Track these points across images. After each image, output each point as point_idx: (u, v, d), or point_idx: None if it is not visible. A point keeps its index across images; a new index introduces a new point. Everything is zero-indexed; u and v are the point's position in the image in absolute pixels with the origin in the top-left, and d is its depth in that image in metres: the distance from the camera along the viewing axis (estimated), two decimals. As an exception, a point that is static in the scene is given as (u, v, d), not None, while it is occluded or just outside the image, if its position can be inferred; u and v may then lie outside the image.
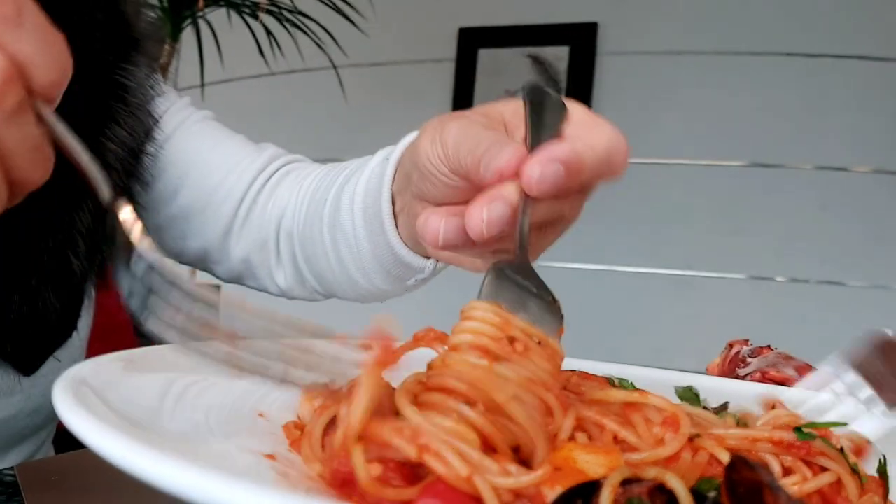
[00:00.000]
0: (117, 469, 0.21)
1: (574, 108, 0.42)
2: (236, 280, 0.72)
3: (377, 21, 2.14)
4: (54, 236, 0.56)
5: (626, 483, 0.22)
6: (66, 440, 0.59)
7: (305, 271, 0.67)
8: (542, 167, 0.36)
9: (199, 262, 0.72)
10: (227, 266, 0.70)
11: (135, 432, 0.24)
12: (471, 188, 0.39)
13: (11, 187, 0.32)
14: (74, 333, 0.60)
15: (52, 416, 0.62)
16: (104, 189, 0.33)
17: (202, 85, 2.17)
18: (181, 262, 0.72)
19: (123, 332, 1.54)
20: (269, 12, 2.06)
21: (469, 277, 0.40)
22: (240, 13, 2.09)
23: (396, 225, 0.54)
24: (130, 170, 0.62)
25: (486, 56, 2.39)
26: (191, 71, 2.22)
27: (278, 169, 0.71)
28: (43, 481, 0.40)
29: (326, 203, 0.62)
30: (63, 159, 0.36)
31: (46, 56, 0.31)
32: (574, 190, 0.39)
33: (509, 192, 0.36)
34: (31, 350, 0.57)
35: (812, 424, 0.31)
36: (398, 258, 0.55)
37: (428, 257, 0.54)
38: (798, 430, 0.30)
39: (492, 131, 0.40)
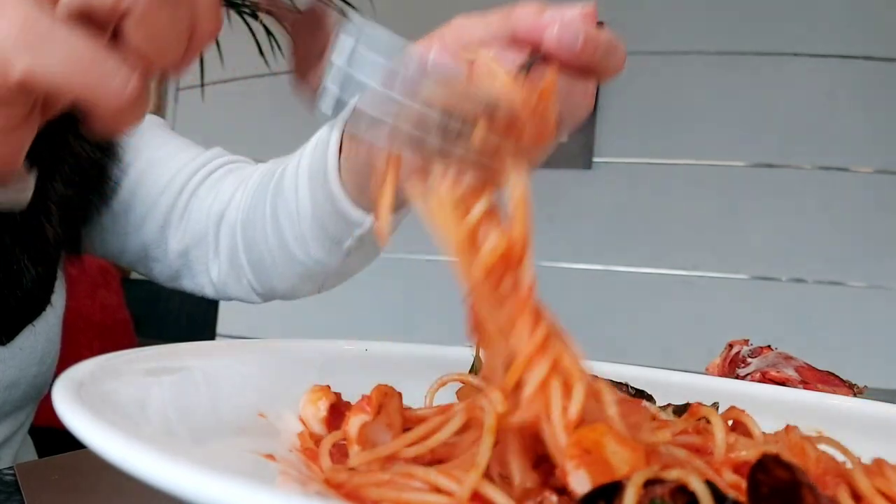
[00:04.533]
0: (117, 469, 0.21)
1: None
2: (173, 279, 0.72)
3: (377, 20, 2.13)
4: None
5: (648, 483, 0.21)
6: (53, 438, 0.60)
7: (244, 261, 0.67)
8: (568, 26, 0.36)
9: (139, 261, 0.73)
10: (166, 262, 0.71)
11: (135, 432, 0.24)
12: None
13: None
14: (49, 308, 0.62)
15: (31, 393, 0.63)
16: None
17: (202, 85, 2.17)
18: (121, 262, 0.73)
19: (123, 332, 1.54)
20: (269, 12, 2.06)
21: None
22: (240, 13, 2.09)
23: (340, 174, 0.54)
24: (100, 166, 0.64)
25: (488, 56, 2.39)
26: (191, 71, 2.22)
27: (221, 166, 0.72)
28: (43, 481, 0.40)
29: (273, 178, 0.63)
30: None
31: None
32: (583, 69, 0.38)
33: None
34: (7, 318, 0.58)
35: None
36: (338, 209, 0.55)
37: (369, 211, 0.55)
38: None
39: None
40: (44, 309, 0.61)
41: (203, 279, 0.71)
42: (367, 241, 0.57)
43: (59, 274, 0.64)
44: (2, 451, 0.64)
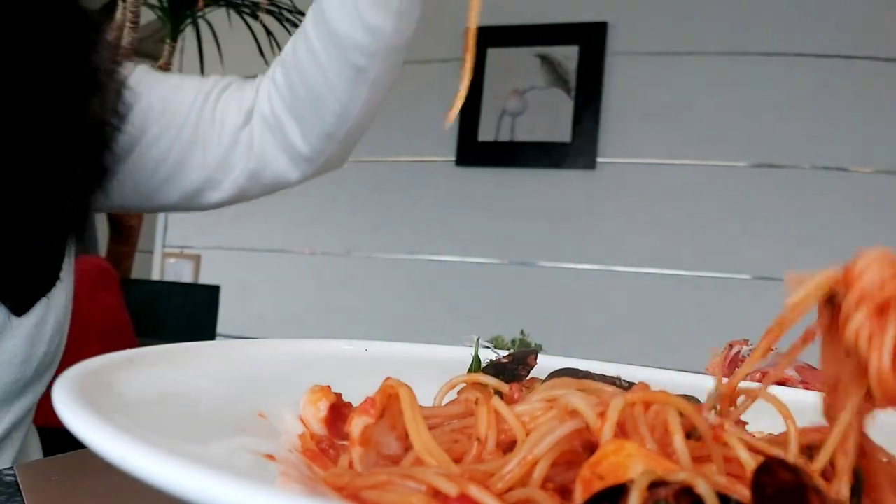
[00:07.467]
0: (117, 469, 0.21)
1: None
2: (243, 191, 0.79)
3: None
4: (50, 172, 0.62)
5: (653, 486, 0.21)
6: (59, 439, 0.61)
7: (284, 119, 0.75)
8: None
9: (195, 193, 0.78)
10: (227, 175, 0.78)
11: (135, 432, 0.24)
12: None
13: None
14: (59, 283, 0.65)
15: (40, 370, 0.65)
16: None
17: (203, 85, 2.17)
18: (170, 194, 0.78)
19: (123, 332, 1.54)
20: (269, 12, 2.06)
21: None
22: (240, 13, 2.09)
23: None
24: (102, 137, 0.68)
25: (494, 55, 2.38)
26: (191, 71, 2.22)
27: (235, 81, 0.80)
28: (43, 481, 0.40)
29: (301, 26, 0.73)
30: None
31: None
32: None
33: None
34: (24, 289, 0.62)
35: None
36: None
37: None
38: None
39: None
40: (54, 284, 0.64)
41: (242, 168, 0.78)
42: None
43: (68, 250, 0.67)
44: (14, 433, 0.66)
